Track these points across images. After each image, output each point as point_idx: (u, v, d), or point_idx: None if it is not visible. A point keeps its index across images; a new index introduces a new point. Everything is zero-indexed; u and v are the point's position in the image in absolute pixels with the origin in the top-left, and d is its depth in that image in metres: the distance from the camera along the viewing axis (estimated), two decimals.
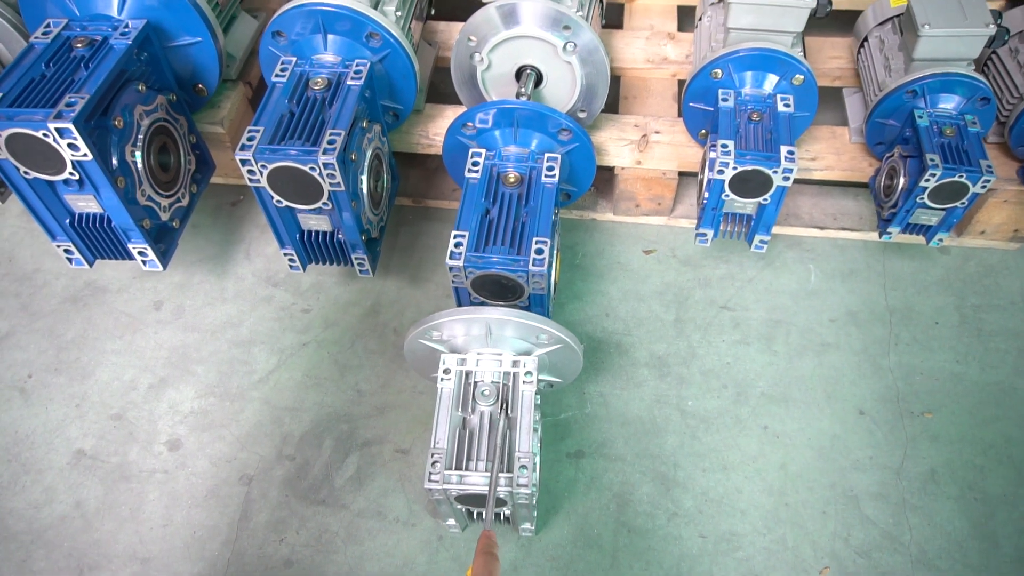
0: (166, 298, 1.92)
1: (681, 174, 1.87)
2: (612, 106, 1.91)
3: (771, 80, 1.59)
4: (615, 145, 1.81)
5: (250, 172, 1.46)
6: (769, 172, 1.47)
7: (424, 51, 1.97)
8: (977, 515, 1.53)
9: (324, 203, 1.51)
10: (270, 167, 1.44)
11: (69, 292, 1.93)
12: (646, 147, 1.81)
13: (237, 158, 1.43)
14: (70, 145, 1.40)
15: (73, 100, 1.41)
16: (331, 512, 1.58)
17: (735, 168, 1.47)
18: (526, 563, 1.51)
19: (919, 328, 1.79)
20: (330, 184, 1.46)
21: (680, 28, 2.11)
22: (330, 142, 1.44)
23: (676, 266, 1.93)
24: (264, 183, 1.48)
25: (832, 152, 1.78)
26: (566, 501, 1.58)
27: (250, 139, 1.45)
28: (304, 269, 1.71)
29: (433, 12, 2.01)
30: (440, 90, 2.13)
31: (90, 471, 1.65)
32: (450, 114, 1.90)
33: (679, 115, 1.88)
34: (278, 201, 1.52)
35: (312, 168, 1.43)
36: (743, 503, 1.57)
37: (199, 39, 1.71)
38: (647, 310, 1.85)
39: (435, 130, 1.87)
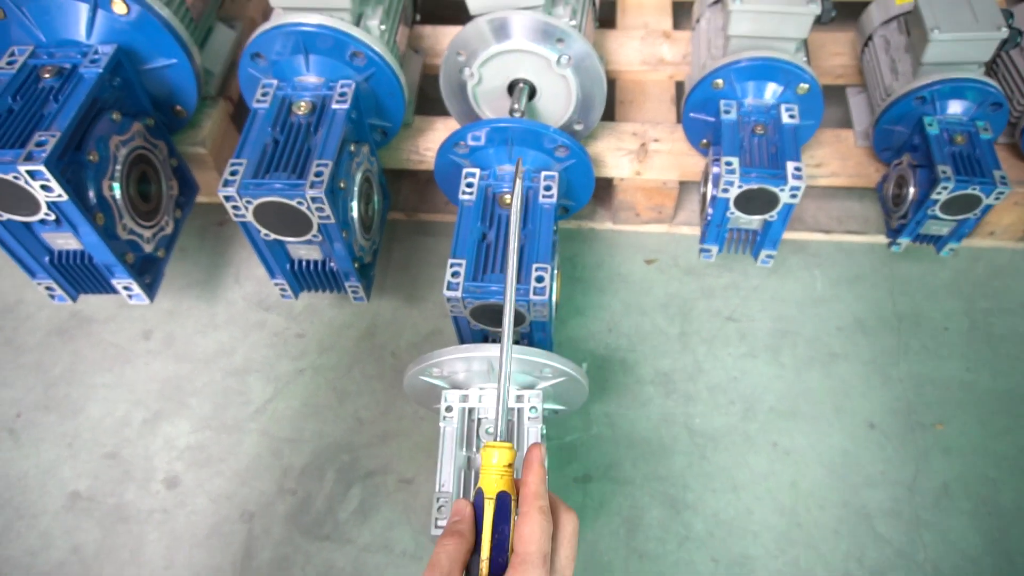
0: (155, 327, 1.86)
1: (682, 182, 1.81)
2: (608, 111, 1.84)
3: (775, 90, 1.53)
4: (613, 156, 1.75)
5: (235, 208, 1.40)
6: (776, 190, 1.41)
7: (411, 60, 1.89)
8: (991, 530, 1.51)
9: (314, 235, 1.46)
10: (255, 202, 1.38)
11: (54, 324, 1.87)
12: (645, 157, 1.74)
13: (220, 195, 1.37)
14: (43, 187, 1.33)
15: (43, 139, 1.34)
16: (336, 547, 1.55)
17: (740, 186, 1.41)
18: None
19: (928, 335, 1.76)
20: (319, 217, 1.40)
21: (676, 25, 2.03)
22: (317, 174, 1.37)
23: (679, 276, 1.88)
24: (250, 218, 1.41)
25: (837, 157, 1.72)
26: None
27: (233, 173, 1.38)
28: (296, 297, 1.66)
29: (419, 18, 1.92)
30: (429, 95, 2.05)
31: (86, 513, 1.61)
32: (440, 126, 1.83)
33: (678, 120, 1.82)
34: (266, 235, 1.46)
35: (299, 203, 1.37)
36: (755, 524, 1.54)
37: (174, 60, 1.63)
38: (651, 324, 1.81)
39: (425, 145, 1.80)
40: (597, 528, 1.55)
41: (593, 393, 1.71)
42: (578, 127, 1.68)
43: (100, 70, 1.48)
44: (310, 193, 1.35)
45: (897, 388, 1.69)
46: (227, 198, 1.37)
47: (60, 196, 1.35)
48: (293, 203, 1.37)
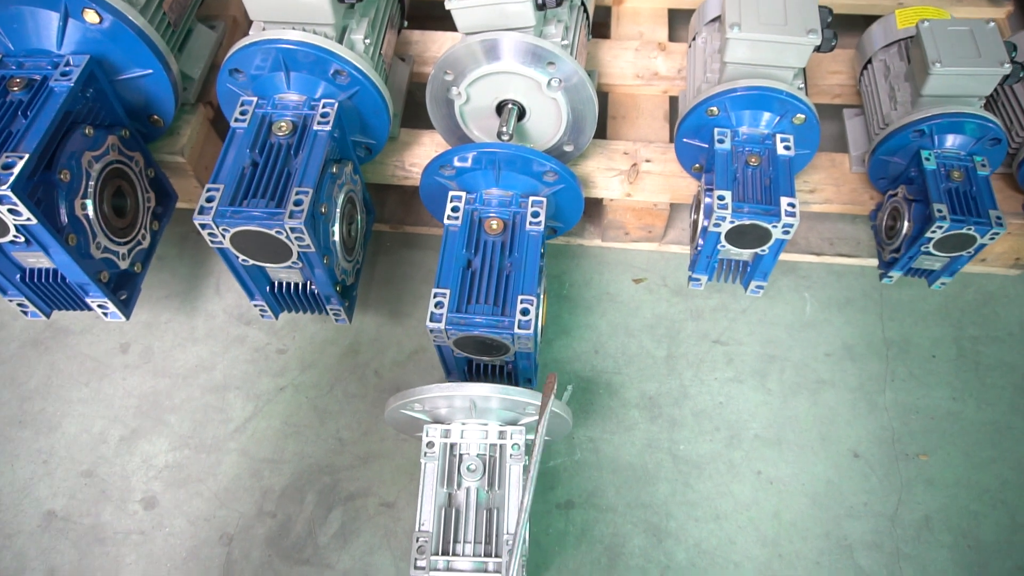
0: (133, 339, 1.82)
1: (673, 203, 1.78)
2: (599, 126, 1.78)
3: (771, 119, 1.48)
4: (603, 176, 1.71)
5: (211, 235, 1.35)
6: (768, 226, 1.38)
7: (398, 70, 1.83)
8: (971, 564, 1.52)
9: (293, 262, 1.41)
10: (232, 231, 1.33)
11: (29, 335, 1.83)
12: (636, 178, 1.70)
13: (196, 222, 1.32)
14: (10, 210, 1.28)
15: (11, 161, 1.28)
16: (316, 573, 1.54)
17: (732, 222, 1.38)
18: None
19: (916, 362, 1.75)
20: (299, 246, 1.36)
21: (671, 35, 1.97)
22: (297, 203, 1.33)
23: (667, 296, 1.86)
24: (227, 245, 1.37)
25: (831, 183, 1.69)
26: (557, 556, 1.55)
27: (209, 200, 1.34)
28: (276, 318, 1.62)
29: (407, 24, 1.85)
30: (418, 99, 1.99)
31: (62, 534, 1.58)
32: (427, 141, 1.77)
33: (670, 140, 1.77)
34: (244, 260, 1.42)
35: (278, 232, 1.33)
36: (737, 555, 1.54)
37: (150, 71, 1.57)
38: (637, 346, 1.79)
39: (411, 160, 1.75)
40: (579, 556, 1.54)
41: (578, 417, 1.69)
42: (568, 148, 1.63)
43: (71, 83, 1.42)
44: (289, 223, 1.30)
45: (883, 417, 1.68)
46: (203, 226, 1.33)
47: (29, 220, 1.31)
48: (272, 232, 1.32)
